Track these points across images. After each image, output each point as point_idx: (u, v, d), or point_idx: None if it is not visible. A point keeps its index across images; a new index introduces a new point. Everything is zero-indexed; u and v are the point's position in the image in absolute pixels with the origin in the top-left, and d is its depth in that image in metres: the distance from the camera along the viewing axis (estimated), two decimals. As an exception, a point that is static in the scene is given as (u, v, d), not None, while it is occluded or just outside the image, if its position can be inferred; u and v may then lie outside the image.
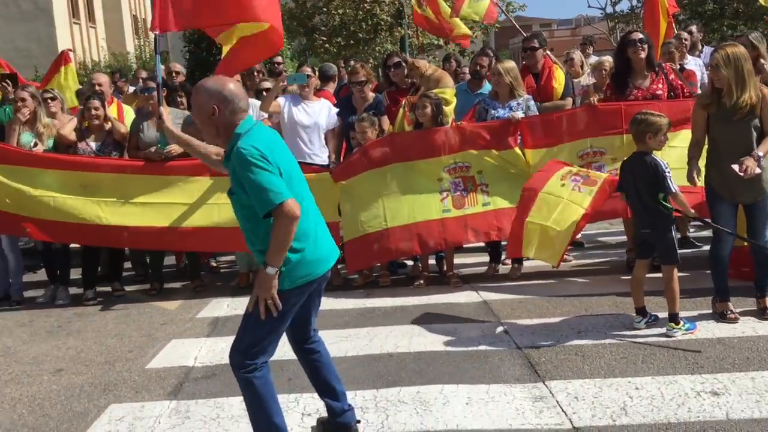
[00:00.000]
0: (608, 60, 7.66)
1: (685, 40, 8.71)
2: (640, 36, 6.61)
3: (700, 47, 9.35)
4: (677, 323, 5.11)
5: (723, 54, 5.11)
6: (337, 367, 4.89)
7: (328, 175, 6.91)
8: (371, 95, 7.46)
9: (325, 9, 24.97)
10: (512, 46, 57.25)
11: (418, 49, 23.12)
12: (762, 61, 6.52)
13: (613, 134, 6.62)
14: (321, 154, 7.22)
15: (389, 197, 6.82)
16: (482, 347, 5.19)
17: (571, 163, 6.26)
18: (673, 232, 5.21)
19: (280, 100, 7.20)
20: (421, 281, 6.96)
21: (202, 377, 4.97)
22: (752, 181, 5.11)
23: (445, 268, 7.15)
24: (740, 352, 4.75)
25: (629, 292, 5.52)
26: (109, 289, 7.41)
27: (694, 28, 9.74)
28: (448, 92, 7.14)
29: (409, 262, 7.66)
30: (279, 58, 10.72)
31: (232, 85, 3.52)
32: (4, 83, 8.20)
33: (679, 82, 6.76)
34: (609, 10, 33.75)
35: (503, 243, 7.09)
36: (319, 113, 7.17)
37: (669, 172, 5.08)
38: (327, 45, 24.75)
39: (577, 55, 9.10)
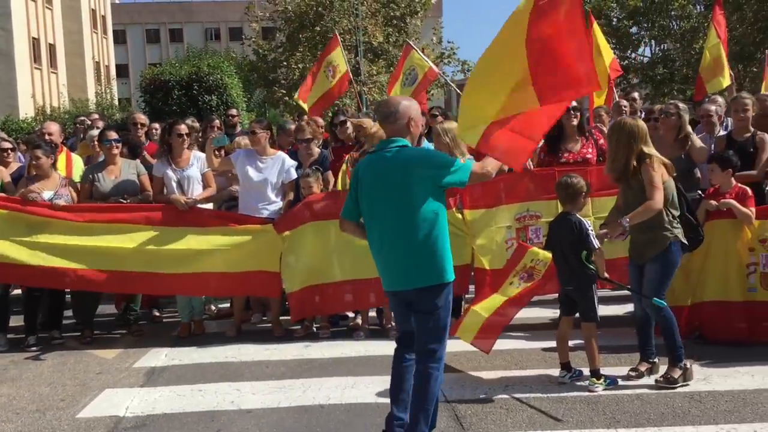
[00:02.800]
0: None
1: (624, 107, 9.11)
2: (573, 104, 6.96)
3: (640, 114, 9.72)
4: (598, 378, 5.29)
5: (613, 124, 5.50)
6: (268, 418, 5.02)
7: (271, 227, 7.06)
8: (317, 151, 7.67)
9: (285, 63, 25.40)
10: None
11: (376, 104, 23.59)
12: (688, 130, 6.85)
13: (548, 199, 6.84)
14: (273, 209, 7.34)
15: (331, 251, 6.97)
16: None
17: (530, 246, 6.26)
18: (594, 291, 5.42)
19: (232, 156, 7.41)
20: (361, 333, 7.07)
21: (132, 427, 4.99)
22: (640, 243, 5.39)
23: (384, 320, 7.27)
24: (656, 407, 4.93)
25: (554, 346, 5.70)
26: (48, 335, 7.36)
27: (636, 94, 10.19)
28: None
29: (351, 314, 7.77)
30: (233, 111, 10.94)
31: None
32: None
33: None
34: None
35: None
36: (270, 169, 7.32)
37: (591, 230, 5.33)
38: (287, 98, 25.14)
39: None
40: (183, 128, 7.43)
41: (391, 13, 25.44)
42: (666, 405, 4.97)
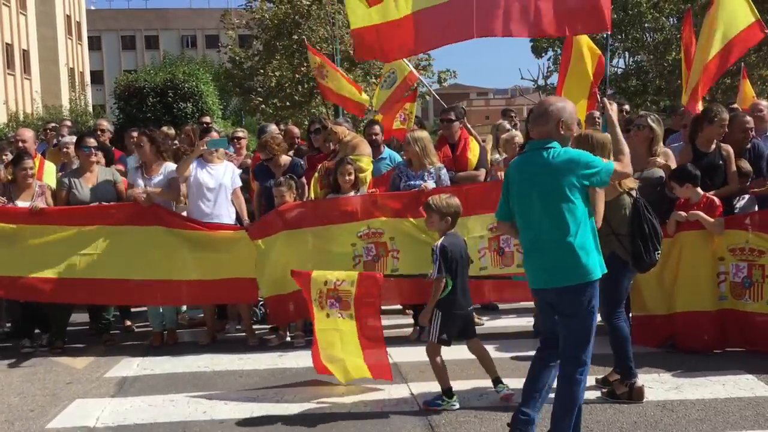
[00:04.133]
0: (518, 134, 8.04)
1: (598, 118, 9.19)
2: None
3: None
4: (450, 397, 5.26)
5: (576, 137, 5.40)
6: (241, 429, 4.98)
7: (245, 233, 7.04)
8: (286, 160, 7.66)
9: (262, 71, 25.31)
10: (449, 112, 58.57)
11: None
12: (656, 147, 6.89)
13: None
14: (230, 215, 7.41)
15: (306, 259, 6.94)
16: (386, 409, 5.31)
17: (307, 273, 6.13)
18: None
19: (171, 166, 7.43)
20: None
21: (102, 438, 4.93)
22: None
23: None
24: (629, 416, 4.97)
25: (532, 356, 5.68)
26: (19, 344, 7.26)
27: (627, 106, 10.26)
28: (365, 159, 7.39)
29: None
30: (207, 118, 10.88)
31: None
32: None
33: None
34: (541, 82, 35.06)
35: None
36: (223, 175, 7.37)
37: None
38: (263, 106, 25.04)
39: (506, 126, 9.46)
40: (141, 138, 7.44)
41: (368, 23, 25.56)
42: (638, 414, 5.00)
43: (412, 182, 7.07)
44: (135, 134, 8.35)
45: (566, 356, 4.23)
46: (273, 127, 8.96)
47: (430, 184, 6.95)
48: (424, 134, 7.18)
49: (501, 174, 7.09)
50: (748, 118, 7.20)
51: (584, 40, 10.15)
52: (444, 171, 7.11)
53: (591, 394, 5.35)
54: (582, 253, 4.13)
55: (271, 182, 7.39)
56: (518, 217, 4.38)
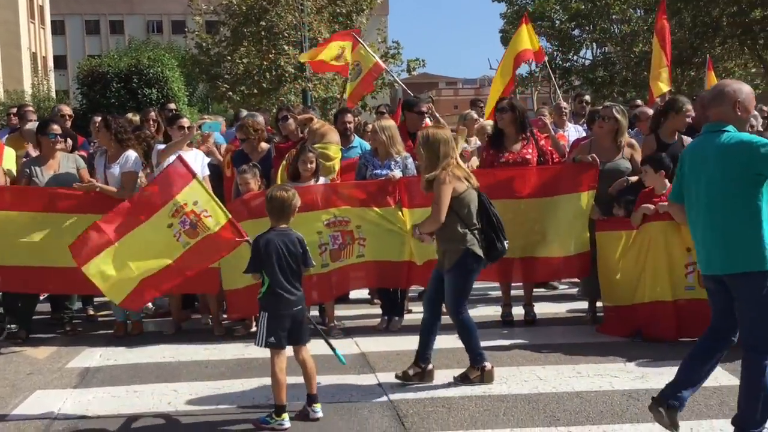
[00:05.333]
0: (489, 123, 8.02)
1: (565, 108, 9.24)
2: (502, 105, 7.00)
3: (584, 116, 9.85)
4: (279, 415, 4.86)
5: (422, 133, 5.47)
6: (206, 419, 4.91)
7: None
8: (265, 146, 7.56)
9: (229, 57, 25.05)
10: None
11: (321, 101, 23.51)
12: (621, 138, 6.92)
13: None
14: None
15: None
16: (354, 399, 5.27)
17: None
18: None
19: (159, 147, 7.24)
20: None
21: (64, 430, 4.83)
22: (440, 253, 5.47)
23: (327, 319, 7.20)
24: (595, 405, 4.99)
25: (502, 345, 5.74)
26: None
27: (587, 97, 10.37)
28: (332, 148, 7.32)
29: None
30: (172, 105, 10.71)
31: None
32: None
33: (549, 148, 7.15)
34: (509, 72, 35.08)
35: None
36: (192, 163, 7.19)
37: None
38: (230, 93, 24.79)
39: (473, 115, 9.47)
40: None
41: (338, 10, 25.34)
42: (605, 403, 5.02)
43: (378, 171, 7.00)
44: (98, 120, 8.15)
45: (747, 344, 4.18)
46: (261, 117, 8.86)
47: (397, 173, 6.90)
48: (390, 123, 7.12)
49: (474, 164, 7.03)
50: (689, 106, 7.21)
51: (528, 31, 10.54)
52: (410, 160, 7.05)
53: (556, 384, 5.39)
54: (754, 239, 4.03)
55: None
56: (687, 200, 4.34)
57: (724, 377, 5.42)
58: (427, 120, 7.87)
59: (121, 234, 5.74)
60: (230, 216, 5.91)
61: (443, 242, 5.40)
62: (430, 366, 5.52)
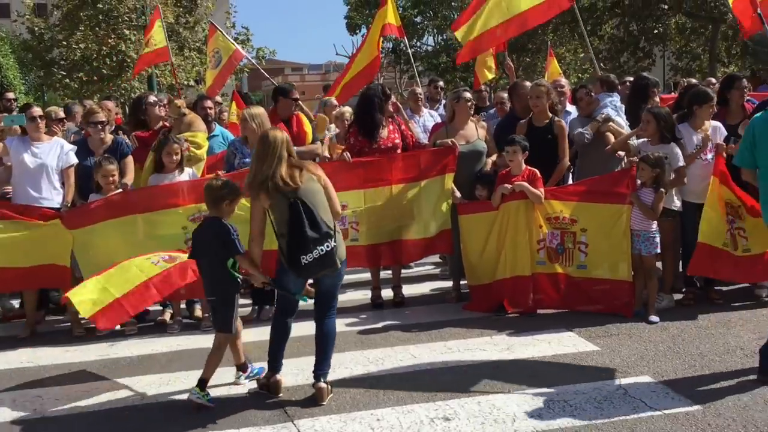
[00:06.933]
0: (348, 110, 8.12)
1: (420, 94, 9.49)
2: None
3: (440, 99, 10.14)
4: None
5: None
6: (77, 425, 4.72)
7: (59, 222, 6.62)
8: (110, 137, 7.22)
9: (65, 42, 23.60)
10: (265, 88, 57.90)
11: (167, 88, 22.69)
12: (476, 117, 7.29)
13: (357, 188, 6.98)
14: (53, 197, 6.90)
15: (132, 247, 6.62)
16: (234, 391, 5.22)
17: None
18: (236, 302, 5.13)
19: (7, 142, 6.81)
20: (176, 326, 6.82)
21: None
22: None
23: (201, 311, 7.06)
24: (467, 378, 5.22)
25: (375, 328, 5.86)
26: None
27: (441, 83, 10.70)
28: (200, 135, 7.16)
29: (159, 308, 7.43)
30: (11, 94, 10.02)
31: None
32: None
33: (409, 133, 7.36)
34: (356, 58, 35.45)
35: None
36: (48, 154, 6.86)
37: (236, 235, 5.02)
38: (67, 80, 23.41)
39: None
40: None
41: (182, -6, 24.58)
42: (476, 375, 5.26)
43: (247, 160, 6.89)
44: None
45: None
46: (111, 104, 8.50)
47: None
48: (260, 110, 7.01)
49: (346, 154, 7.04)
50: (526, 84, 7.68)
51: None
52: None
53: (430, 360, 5.59)
54: None
55: (91, 160, 6.96)
56: (761, 166, 5.01)
57: (581, 343, 5.87)
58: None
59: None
60: None
61: None
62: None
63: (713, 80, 10.32)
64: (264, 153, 4.84)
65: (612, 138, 7.19)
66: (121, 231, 6.62)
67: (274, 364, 5.15)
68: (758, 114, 5.33)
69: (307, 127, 7.64)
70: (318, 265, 4.73)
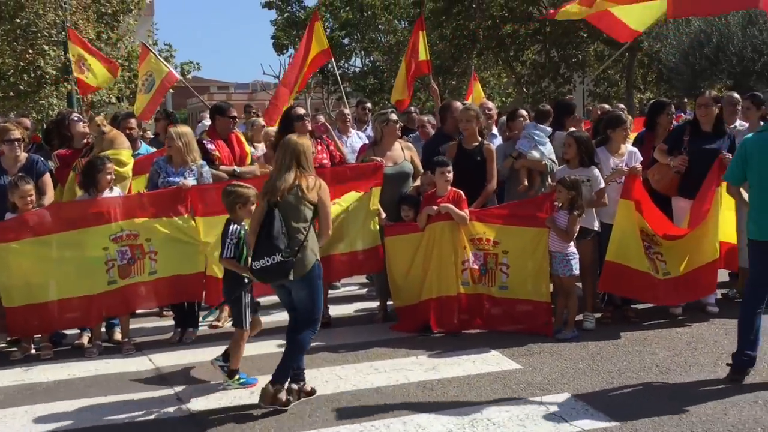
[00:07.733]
0: (272, 130, 8.12)
1: (348, 115, 9.56)
2: (301, 112, 7.14)
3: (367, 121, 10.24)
4: (231, 377, 5.53)
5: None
6: (-11, 453, 4.50)
7: None
8: (24, 156, 6.96)
9: (-21, 58, 22.76)
10: (190, 106, 57.17)
11: (87, 105, 22.07)
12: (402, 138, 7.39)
13: None
14: None
15: (52, 268, 6.45)
16: (153, 416, 5.11)
17: None
18: (245, 298, 5.56)
19: None
20: (94, 350, 6.61)
21: None
22: None
23: (117, 336, 6.88)
24: (393, 398, 5.26)
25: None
26: None
27: (369, 104, 10.81)
28: (124, 153, 7.02)
29: (76, 331, 7.21)
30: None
31: None
32: None
33: (338, 153, 7.40)
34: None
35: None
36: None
37: (233, 238, 5.47)
38: (-15, 98, 22.54)
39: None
40: None
41: (103, 10, 23.96)
42: (402, 395, 5.31)
43: (171, 179, 6.78)
44: None
45: None
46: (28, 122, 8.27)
47: (190, 181, 6.75)
48: (187, 129, 6.93)
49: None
50: (458, 104, 7.80)
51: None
52: (206, 168, 6.91)
53: (356, 381, 5.59)
54: None
55: (4, 179, 6.71)
56: (757, 183, 5.38)
57: (504, 362, 5.97)
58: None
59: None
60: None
61: None
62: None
63: (621, 105, 10.87)
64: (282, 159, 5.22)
65: (525, 174, 7.44)
66: (36, 250, 6.42)
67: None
68: (749, 135, 5.76)
69: (247, 148, 7.61)
70: (262, 272, 5.01)
